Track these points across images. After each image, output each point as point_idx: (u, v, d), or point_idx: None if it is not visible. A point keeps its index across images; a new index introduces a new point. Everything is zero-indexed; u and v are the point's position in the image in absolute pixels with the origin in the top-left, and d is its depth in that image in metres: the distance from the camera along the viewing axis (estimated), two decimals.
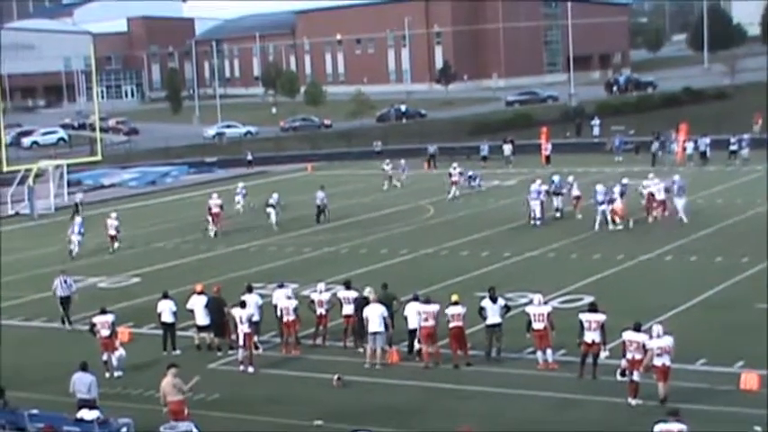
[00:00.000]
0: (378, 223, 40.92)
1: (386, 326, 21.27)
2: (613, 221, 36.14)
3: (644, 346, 17.91)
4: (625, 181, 38.09)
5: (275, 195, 41.85)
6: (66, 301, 26.69)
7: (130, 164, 69.83)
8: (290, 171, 62.82)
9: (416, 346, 21.47)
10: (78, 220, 38.89)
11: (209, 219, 40.41)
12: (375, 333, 21.26)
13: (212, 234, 39.86)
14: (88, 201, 51.37)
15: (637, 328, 18.29)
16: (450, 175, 47.62)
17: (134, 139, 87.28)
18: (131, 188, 60.46)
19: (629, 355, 18.13)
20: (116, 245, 37.97)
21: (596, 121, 69.35)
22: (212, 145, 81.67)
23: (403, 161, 55.00)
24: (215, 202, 40.83)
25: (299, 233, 39.63)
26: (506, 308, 21.49)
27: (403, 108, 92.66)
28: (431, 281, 28.39)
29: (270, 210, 41.02)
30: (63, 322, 26.63)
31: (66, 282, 26.84)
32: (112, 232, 37.99)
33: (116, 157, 73.28)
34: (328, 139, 77.84)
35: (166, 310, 23.42)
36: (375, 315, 21.30)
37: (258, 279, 28.87)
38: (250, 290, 23.31)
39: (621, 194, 36.53)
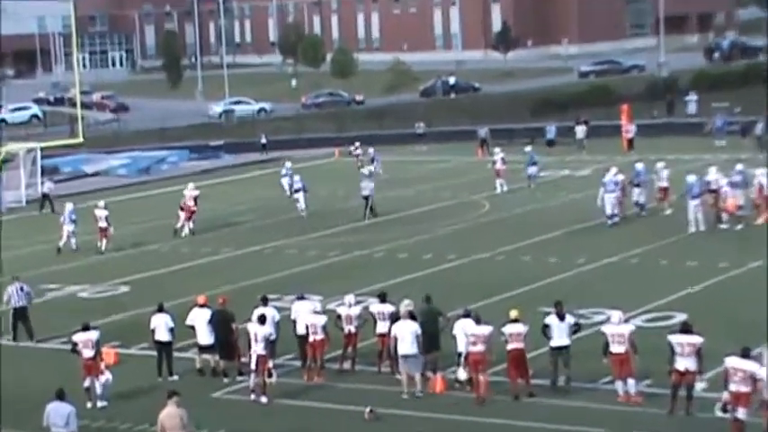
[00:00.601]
0: (421, 221, 40.94)
1: (420, 346, 21.20)
2: (719, 218, 35.87)
3: (753, 376, 17.74)
4: (740, 167, 37.58)
5: (297, 177, 43.96)
6: (22, 313, 27.01)
7: (119, 148, 70.19)
8: (313, 157, 62.94)
9: (462, 374, 21.41)
10: (70, 206, 39.47)
11: (181, 213, 40.90)
12: (406, 356, 21.23)
13: (186, 232, 40.43)
14: (68, 192, 51.78)
15: (745, 355, 18.11)
16: (494, 163, 47.52)
17: (123, 117, 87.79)
18: (120, 177, 60.77)
19: (732, 387, 17.95)
20: (104, 243, 38.34)
21: (692, 97, 68.86)
22: (218, 125, 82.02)
23: (371, 150, 55.03)
24: (191, 193, 41.26)
25: (323, 233, 39.74)
26: (576, 326, 21.43)
27: (452, 81, 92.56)
28: (485, 293, 28.35)
29: (297, 195, 42.93)
30: (15, 338, 27.09)
31: (21, 289, 27.15)
32: (103, 224, 38.47)
33: (101, 139, 73.72)
34: (360, 119, 77.88)
35: (162, 326, 23.54)
36: (406, 333, 21.27)
37: (273, 289, 28.94)
38: (265, 302, 23.38)
39: (735, 185, 36.10)
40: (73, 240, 38.40)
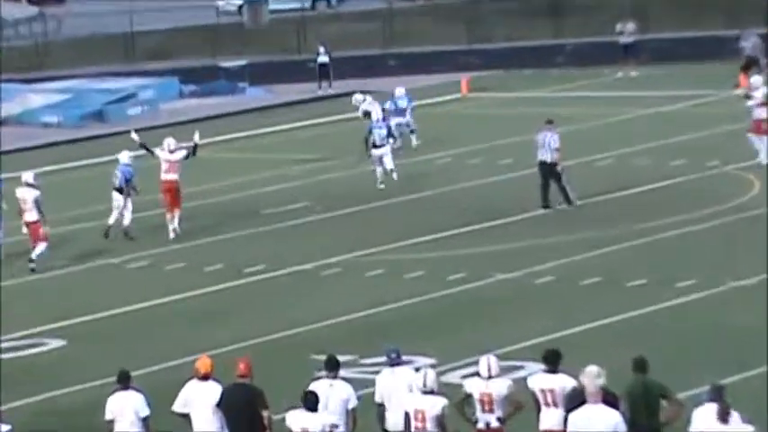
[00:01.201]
0: (626, 215, 41.03)
1: None
2: None
3: None
4: None
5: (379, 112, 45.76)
6: None
7: (46, 73, 71.15)
8: (419, 92, 63.10)
9: None
10: None
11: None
12: None
13: (174, 227, 41.89)
14: None
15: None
16: (749, 109, 46.98)
17: (55, 14, 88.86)
18: (48, 128, 61.83)
19: None
20: (38, 248, 39.24)
21: None
22: (236, 29, 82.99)
23: (363, 96, 54.37)
24: (168, 156, 42.06)
25: (436, 236, 39.99)
26: None
27: None
28: (749, 355, 28.34)
29: (379, 152, 44.63)
30: None
31: None
32: (31, 216, 39.35)
33: (15, 56, 74.79)
34: (507, 18, 78.28)
35: (127, 413, 23.82)
36: (597, 429, 21.29)
37: (341, 345, 29.16)
38: (332, 368, 23.48)
39: None
40: None
